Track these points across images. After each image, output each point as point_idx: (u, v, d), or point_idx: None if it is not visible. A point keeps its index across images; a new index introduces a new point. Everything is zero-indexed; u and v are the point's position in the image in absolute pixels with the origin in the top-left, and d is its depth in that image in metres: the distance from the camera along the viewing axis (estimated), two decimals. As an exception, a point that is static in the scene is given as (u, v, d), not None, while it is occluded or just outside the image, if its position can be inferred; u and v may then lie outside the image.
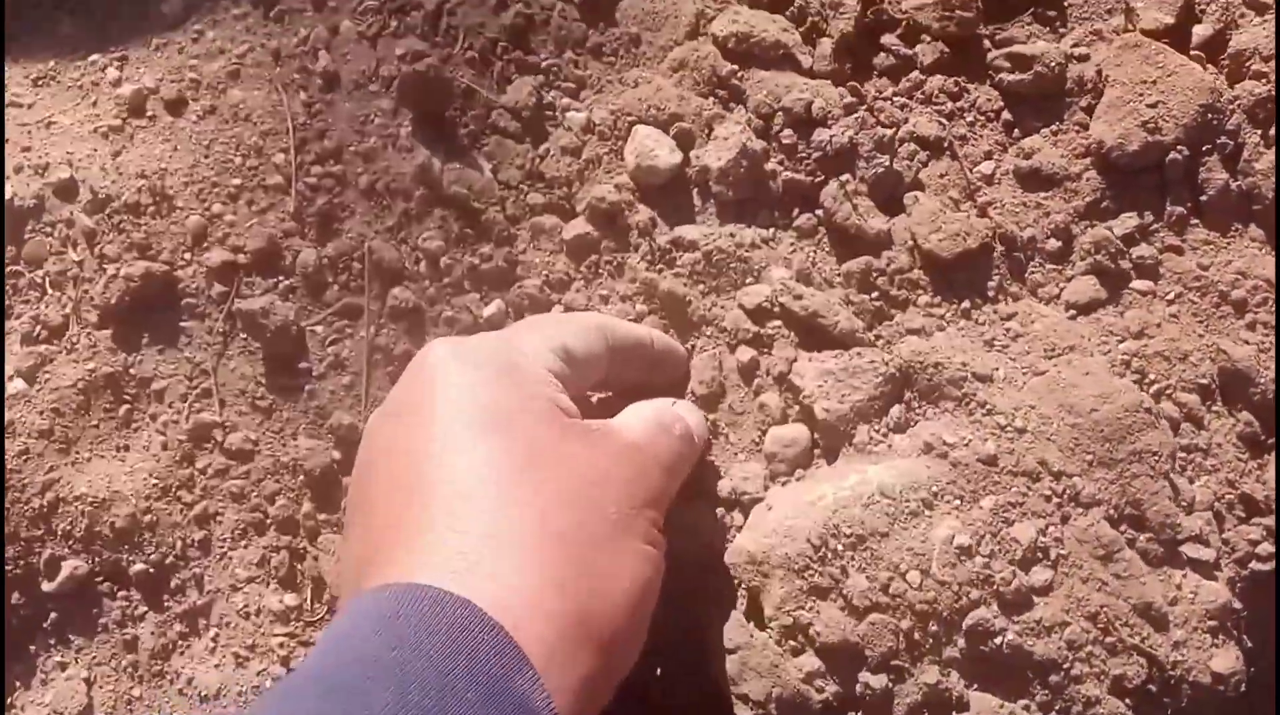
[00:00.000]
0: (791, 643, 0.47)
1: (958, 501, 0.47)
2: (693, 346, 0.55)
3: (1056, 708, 0.46)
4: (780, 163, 0.57)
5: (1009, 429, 0.49)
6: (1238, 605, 0.48)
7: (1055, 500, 0.48)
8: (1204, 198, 0.54)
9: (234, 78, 0.63)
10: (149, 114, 0.63)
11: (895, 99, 0.58)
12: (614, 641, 0.38)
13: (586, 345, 0.47)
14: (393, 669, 0.32)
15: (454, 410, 0.40)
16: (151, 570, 0.58)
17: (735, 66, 0.59)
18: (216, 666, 0.58)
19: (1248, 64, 0.55)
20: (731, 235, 0.56)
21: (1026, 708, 0.46)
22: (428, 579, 0.35)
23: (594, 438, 0.42)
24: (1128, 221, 0.54)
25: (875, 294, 0.55)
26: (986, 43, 0.58)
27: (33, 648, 0.60)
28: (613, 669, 0.39)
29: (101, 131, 0.63)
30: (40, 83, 0.66)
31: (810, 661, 0.47)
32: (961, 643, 0.46)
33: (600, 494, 0.40)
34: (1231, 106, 0.54)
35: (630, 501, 0.41)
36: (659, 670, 0.52)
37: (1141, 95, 0.54)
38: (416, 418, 0.41)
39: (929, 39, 0.58)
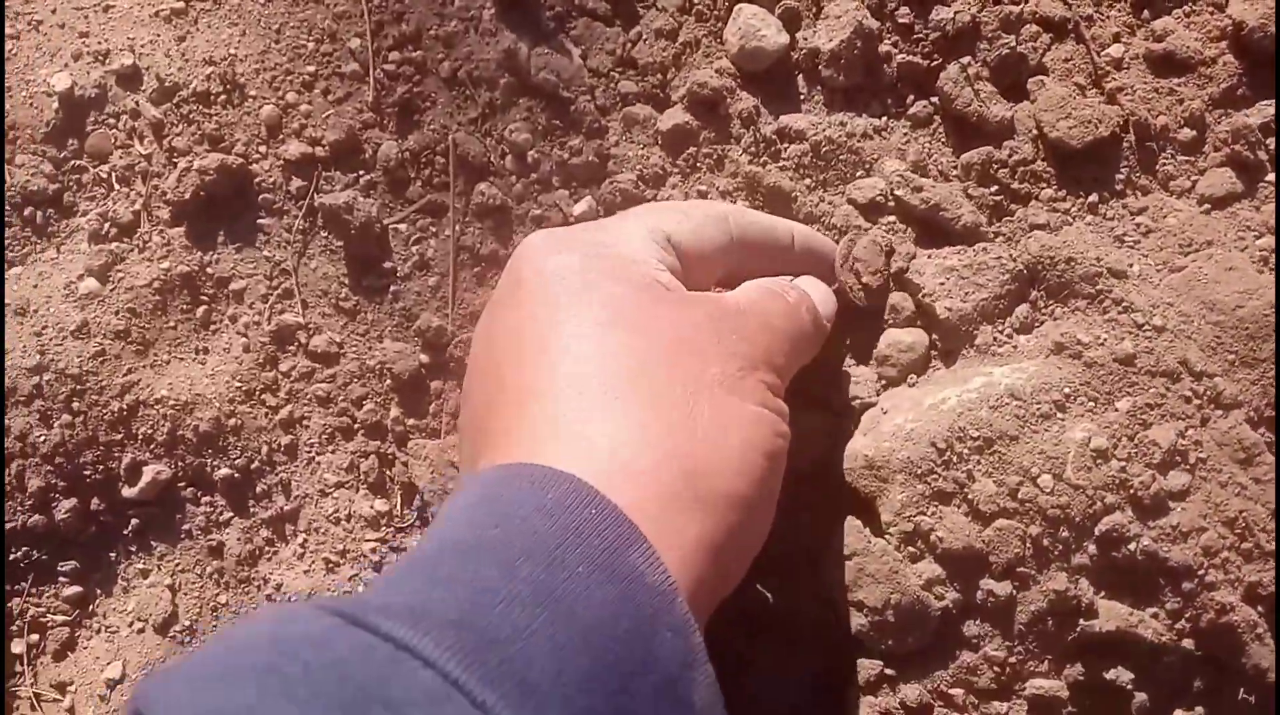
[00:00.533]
0: (911, 549, 0.48)
1: (1093, 403, 0.47)
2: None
3: (1186, 615, 0.46)
4: (895, 44, 0.55)
5: (1147, 327, 0.48)
6: (1377, 512, 0.48)
7: (1195, 401, 0.47)
8: (1356, 83, 0.52)
9: (301, -43, 0.61)
10: (212, -4, 0.61)
11: (1020, -24, 0.56)
12: (728, 503, 0.37)
13: (698, 237, 0.45)
14: (498, 547, 0.31)
15: (538, 290, 0.40)
16: (237, 475, 0.59)
17: (844, -58, 0.57)
18: (306, 572, 0.58)
19: None
20: (842, 124, 0.55)
21: (1156, 615, 0.46)
22: (528, 457, 0.35)
23: (692, 301, 0.41)
24: (1266, 109, 0.52)
25: (996, 188, 0.53)
26: (1119, -87, 0.55)
27: (113, 555, 0.61)
28: (733, 533, 0.37)
29: (164, 15, 0.61)
30: (93, -37, 0.64)
31: (930, 568, 0.47)
32: (1092, 549, 0.46)
33: (699, 353, 0.39)
34: (1391, -17, 0.52)
35: (735, 362, 0.40)
36: (770, 580, 0.52)
37: (1292, -30, 0.51)
38: (507, 304, 0.42)
39: (1055, -89, 0.55)
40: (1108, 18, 0.55)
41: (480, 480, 0.35)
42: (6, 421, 0.58)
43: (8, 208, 0.60)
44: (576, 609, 0.30)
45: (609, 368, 0.37)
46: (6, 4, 0.63)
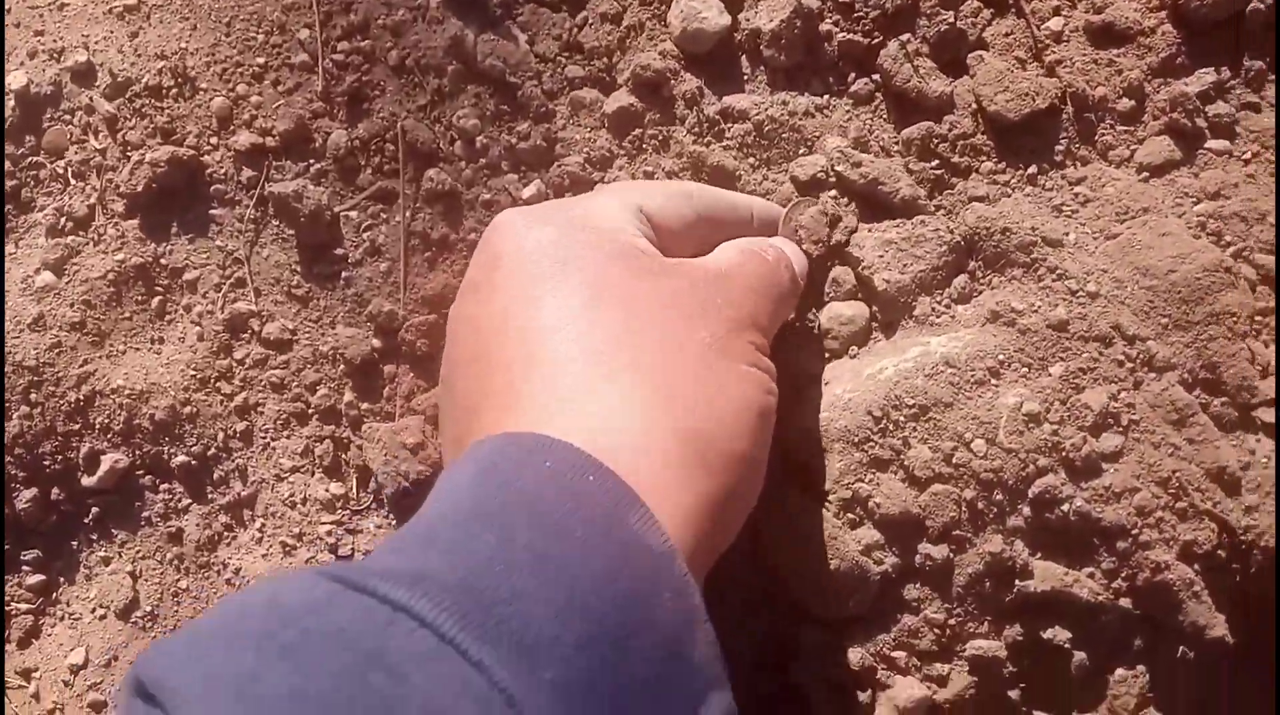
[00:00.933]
0: (849, 516, 0.49)
1: (1026, 369, 0.49)
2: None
3: (1122, 575, 0.48)
4: (835, 23, 0.57)
5: (1080, 294, 0.50)
6: (1314, 472, 0.50)
7: (1128, 365, 0.49)
8: (1288, 49, 0.53)
9: (251, -50, 0.63)
10: (164, -9, 0.64)
11: (958, -47, 0.58)
12: (724, 462, 0.38)
13: (667, 210, 0.46)
14: (497, 513, 0.32)
15: (519, 267, 0.41)
16: (194, 462, 0.61)
17: (784, -78, 0.59)
18: (264, 556, 0.60)
19: (1340, -98, 0.54)
20: (784, 103, 0.57)
21: (1092, 575, 0.48)
22: (521, 427, 0.36)
23: (674, 268, 0.42)
24: (1204, 78, 0.54)
25: (936, 162, 0.55)
26: (1055, -112, 0.57)
27: (74, 543, 0.63)
28: (733, 494, 0.38)
29: (117, 11, 0.64)
30: (48, -38, 0.66)
31: (869, 534, 0.49)
32: (1027, 511, 0.48)
33: (686, 318, 0.40)
34: (1321, -52, 0.53)
35: (723, 325, 0.41)
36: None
37: (1223, -61, 0.53)
38: (488, 283, 0.42)
39: (993, -113, 0.57)
40: (1048, -10, 0.57)
41: (478, 450, 0.36)
42: (-34, 413, 0.60)
43: (-34, 203, 0.63)
44: (575, 572, 0.31)
45: (600, 339, 0.38)
46: (-37, 3, 0.65)
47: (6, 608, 0.62)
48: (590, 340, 0.38)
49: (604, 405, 0.36)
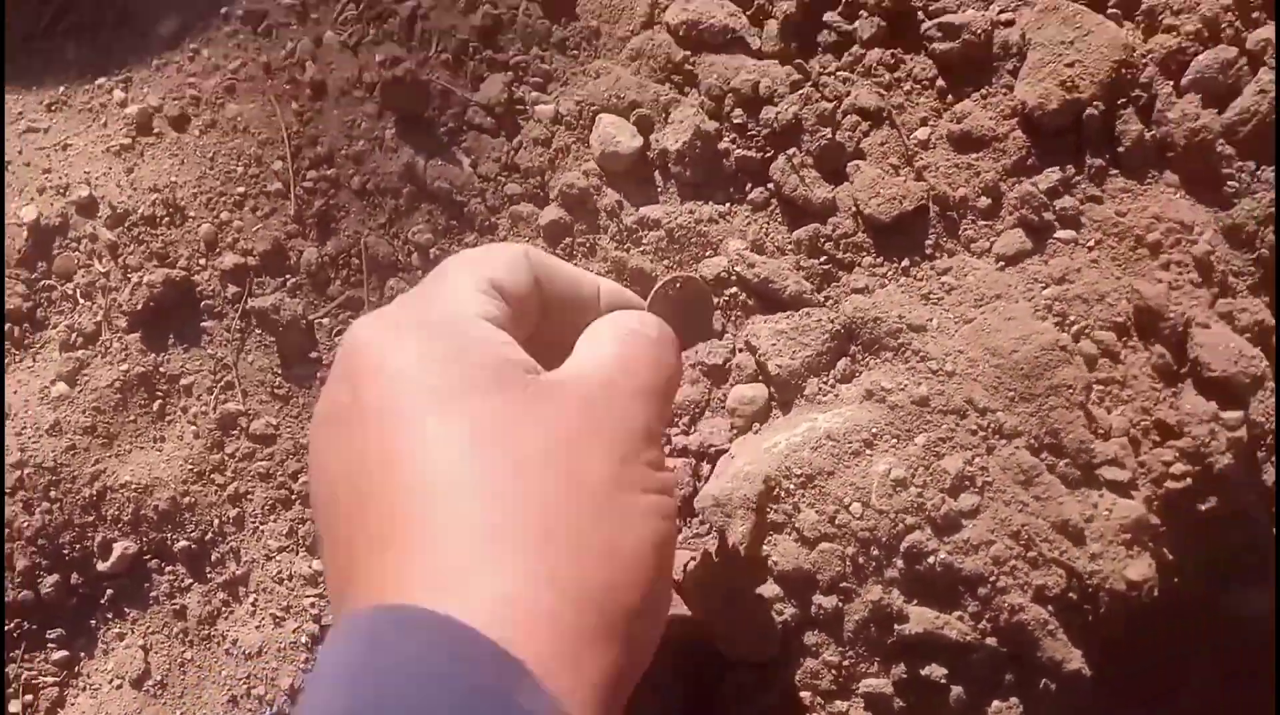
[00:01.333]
0: (755, 573, 0.58)
1: (894, 440, 0.58)
2: (660, 316, 0.66)
3: (986, 616, 0.56)
4: (733, 141, 0.67)
5: (940, 373, 0.59)
6: (1155, 521, 0.58)
7: (981, 433, 0.58)
8: (1120, 149, 0.63)
9: (230, 92, 0.74)
10: (155, 131, 0.74)
11: (838, 74, 0.67)
12: (628, 616, 0.35)
13: (514, 275, 0.43)
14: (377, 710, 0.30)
15: (385, 395, 0.37)
16: (194, 546, 0.70)
17: (688, 52, 0.69)
18: (257, 628, 0.70)
19: (1160, 18, 0.63)
20: (691, 212, 0.66)
21: (960, 617, 0.57)
22: (403, 597, 0.33)
23: (555, 391, 0.38)
24: (1051, 176, 0.63)
25: (824, 258, 0.65)
26: (920, 14, 0.67)
27: (93, 621, 0.72)
28: (637, 641, 0.36)
29: (114, 150, 0.74)
30: (54, 108, 0.77)
31: (772, 588, 0.58)
32: (900, 564, 0.57)
33: (581, 455, 0.37)
34: (1145, 60, 0.63)
35: (619, 450, 0.37)
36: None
37: (1060, 56, 0.63)
38: (358, 414, 0.37)
39: (867, 14, 0.67)
40: (916, 104, 0.67)
41: (354, 628, 0.33)
42: (-6, 511, 0.70)
43: (-11, 325, 0.73)
44: None
45: (486, 493, 0.34)
46: (-19, 148, 0.76)
47: (34, 681, 0.72)
48: (475, 495, 0.34)
49: (493, 574, 0.33)
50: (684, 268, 0.66)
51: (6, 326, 0.73)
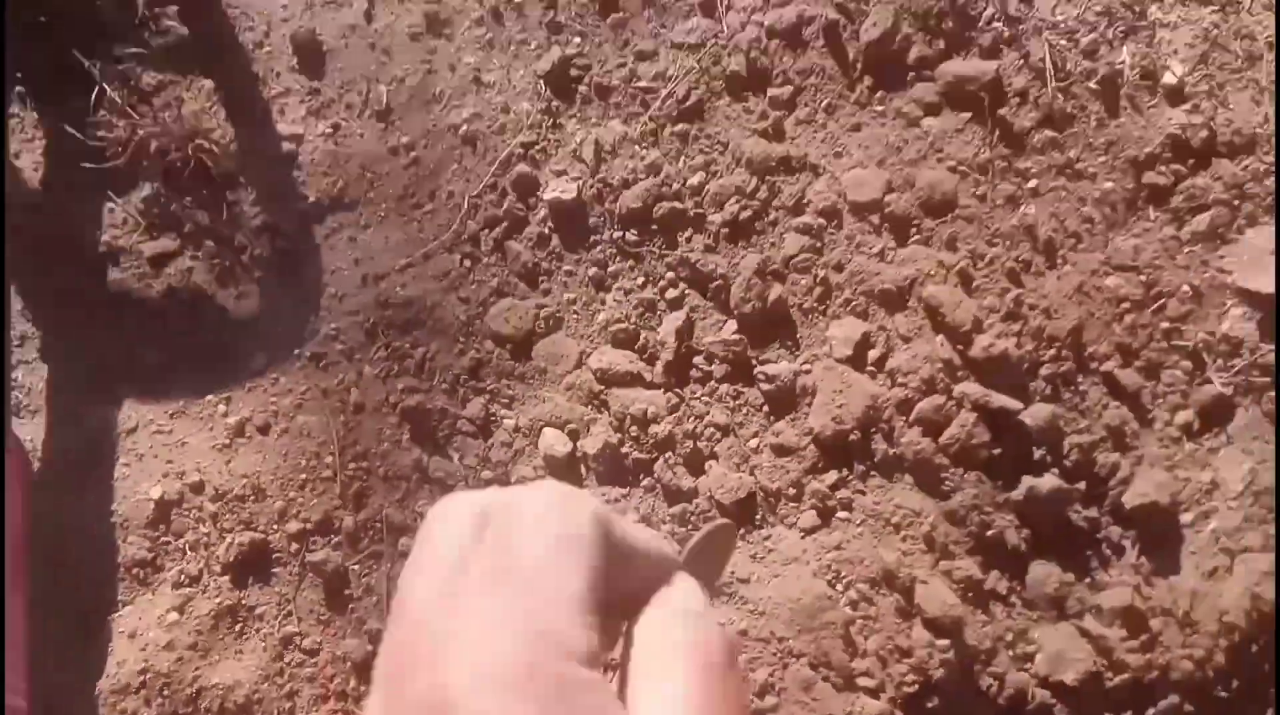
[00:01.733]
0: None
1: (722, 657, 0.90)
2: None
3: (785, 775, 0.87)
4: (630, 447, 1.02)
5: (756, 612, 0.92)
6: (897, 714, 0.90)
7: (779, 654, 0.90)
8: (875, 460, 0.98)
9: (299, 408, 1.10)
10: (247, 435, 1.10)
11: (702, 399, 1.04)
12: None
13: (623, 529, 0.33)
14: None
15: (470, 668, 0.27)
16: (260, 728, 1.02)
17: (603, 387, 1.05)
18: (302, 788, 1.00)
19: (897, 376, 1.00)
20: (604, 495, 1.01)
21: (767, 776, 0.88)
22: None
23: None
24: (832, 476, 0.98)
25: (690, 526, 0.99)
26: (754, 362, 1.04)
27: (182, 785, 1.03)
28: None
29: (218, 447, 1.10)
30: (175, 416, 1.13)
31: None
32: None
33: None
34: (887, 404, 0.99)
35: None
36: None
37: (833, 399, 0.99)
38: (436, 617, 0.28)
39: (719, 361, 1.04)
40: (751, 422, 1.02)
41: None
42: (125, 707, 1.02)
43: (123, 569, 1.07)
44: None
45: None
46: (121, 441, 1.11)
47: (141, 828, 1.02)
48: None
49: None
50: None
51: (136, 571, 1.07)
